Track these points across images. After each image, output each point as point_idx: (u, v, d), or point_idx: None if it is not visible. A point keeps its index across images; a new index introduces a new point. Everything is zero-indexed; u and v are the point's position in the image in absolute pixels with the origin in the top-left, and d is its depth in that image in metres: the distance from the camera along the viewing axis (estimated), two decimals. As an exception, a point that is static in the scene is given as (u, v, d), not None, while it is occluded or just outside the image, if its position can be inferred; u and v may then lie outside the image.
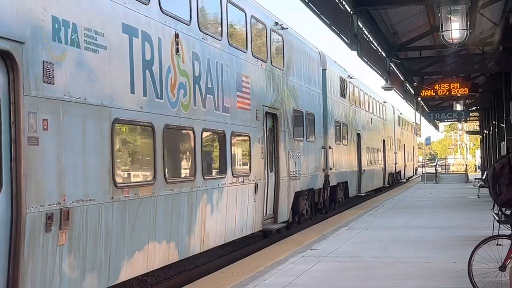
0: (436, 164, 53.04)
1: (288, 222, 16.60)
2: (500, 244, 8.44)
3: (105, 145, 8.36)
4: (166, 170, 9.95)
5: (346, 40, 16.14)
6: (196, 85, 11.25)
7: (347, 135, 24.76)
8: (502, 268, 8.03)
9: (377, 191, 32.97)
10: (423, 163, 60.61)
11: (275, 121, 15.60)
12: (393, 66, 23.57)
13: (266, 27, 15.26)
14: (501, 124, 25.88)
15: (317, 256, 11.85)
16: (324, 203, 20.86)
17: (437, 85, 25.46)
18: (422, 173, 51.61)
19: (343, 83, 23.78)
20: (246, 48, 13.94)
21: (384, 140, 35.56)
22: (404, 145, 46.32)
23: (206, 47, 11.72)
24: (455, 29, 12.44)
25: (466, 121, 54.12)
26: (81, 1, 8.13)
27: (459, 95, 27.18)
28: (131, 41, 9.16)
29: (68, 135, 7.61)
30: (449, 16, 12.30)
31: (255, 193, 14.08)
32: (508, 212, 11.14)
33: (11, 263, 6.59)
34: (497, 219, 12.74)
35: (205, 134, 11.54)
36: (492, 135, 32.94)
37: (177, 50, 10.52)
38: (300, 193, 17.82)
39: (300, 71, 18.08)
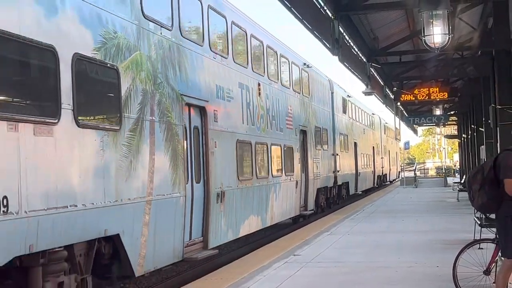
0: (415, 168, 53.40)
1: (313, 210, 22.03)
2: (482, 248, 8.48)
3: (234, 155, 14.01)
4: (257, 170, 15.69)
5: (328, 45, 16.21)
6: (267, 114, 17.06)
7: (348, 144, 30.56)
8: (487, 272, 8.07)
9: (367, 191, 38.21)
10: (402, 167, 61.08)
11: (305, 136, 21.33)
12: (373, 71, 23.69)
13: (299, 68, 21.28)
14: (480, 128, 26.11)
15: (300, 261, 11.86)
16: (333, 198, 26.72)
17: (416, 90, 25.66)
18: (401, 178, 51.98)
19: (344, 102, 29.94)
20: (290, 85, 19.87)
21: (373, 147, 41.36)
22: (389, 150, 52.78)
23: (271, 89, 17.49)
24: (437, 34, 12.53)
25: (444, 125, 54.56)
26: (224, 74, 13.85)
27: (438, 99, 27.39)
28: (241, 92, 14.89)
29: (223, 150, 13.29)
30: (431, 20, 12.40)
31: (295, 188, 19.64)
32: (492, 216, 11.24)
33: (205, 215, 12.25)
34: (479, 223, 12.86)
35: (272, 147, 17.26)
36: (471, 139, 33.22)
37: (259, 94, 16.33)
38: (320, 189, 23.40)
39: (318, 97, 23.97)
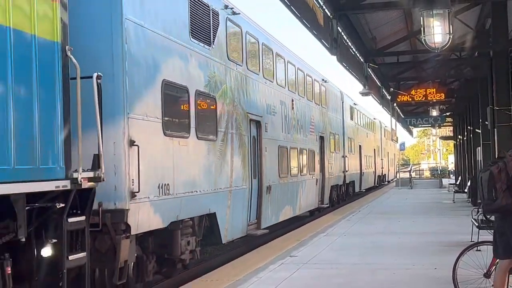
0: (411, 169, 53.50)
1: (327, 205, 25.32)
2: (479, 250, 8.38)
3: (276, 157, 17.82)
4: (291, 169, 19.45)
5: (327, 45, 16.07)
6: (298, 124, 20.81)
7: (354, 147, 34.22)
8: (487, 275, 7.96)
9: (368, 190, 41.49)
10: (398, 169, 61.24)
11: (323, 141, 24.93)
12: (371, 71, 23.56)
13: (319, 83, 25.01)
14: (477, 130, 25.98)
15: (296, 263, 11.75)
16: (343, 194, 30.10)
17: (413, 91, 25.51)
18: (396, 179, 52.09)
19: (351, 109, 33.70)
20: (312, 99, 23.67)
21: (374, 149, 45.14)
22: (388, 152, 56.55)
23: (300, 103, 21.25)
24: (437, 33, 12.40)
25: (440, 126, 54.50)
26: (270, 94, 17.59)
27: (435, 100, 27.24)
28: (281, 107, 18.62)
29: (270, 153, 17.04)
30: (432, 20, 12.26)
31: (316, 185, 23.21)
32: (492, 218, 11.11)
33: (258, 202, 15.72)
34: (477, 224, 12.76)
35: (302, 151, 21.29)
36: (467, 141, 33.11)
37: (292, 108, 20.01)
38: (333, 186, 26.71)
39: (332, 107, 27.76)
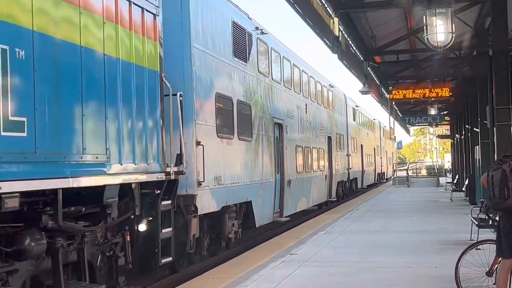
0: (408, 168, 53.63)
1: (335, 199, 27.82)
2: (479, 249, 8.39)
3: (294, 155, 20.32)
4: (305, 166, 21.97)
5: (328, 43, 16.07)
6: (310, 126, 23.36)
7: (356, 146, 36.45)
8: (489, 273, 7.98)
9: (369, 187, 43.86)
10: (395, 167, 61.38)
11: (330, 141, 27.34)
12: (370, 70, 23.58)
13: (327, 88, 27.75)
14: (475, 129, 26.01)
15: (297, 261, 11.75)
16: (347, 190, 32.34)
17: (412, 89, 25.53)
18: (394, 177, 52.24)
19: (354, 111, 36.24)
20: (322, 103, 26.21)
21: (374, 148, 47.24)
22: (386, 151, 59.01)
23: (312, 107, 23.96)
24: (440, 32, 12.38)
25: (437, 125, 54.51)
26: (289, 100, 20.39)
27: (433, 99, 27.25)
28: (297, 111, 21.33)
29: (289, 152, 19.45)
30: (434, 19, 12.25)
31: (325, 180, 25.69)
32: (493, 216, 11.12)
33: (281, 193, 17.97)
34: (477, 223, 12.77)
35: (313, 150, 23.67)
36: (465, 139, 33.15)
37: (306, 111, 22.64)
38: (339, 182, 29.03)
39: (338, 109, 30.30)
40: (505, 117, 17.72)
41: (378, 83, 27.68)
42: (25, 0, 6.28)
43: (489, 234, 11.42)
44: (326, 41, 16.01)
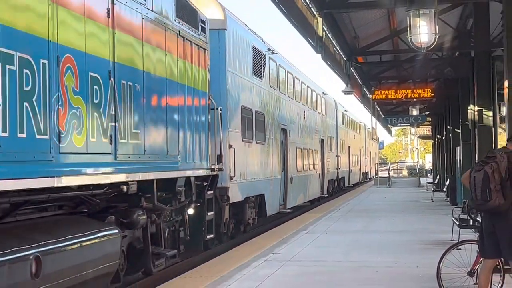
0: (389, 168, 53.93)
1: (326, 195, 30.91)
2: (460, 249, 8.43)
3: (295, 156, 23.31)
4: (303, 165, 24.75)
5: (312, 43, 16.09)
6: (307, 130, 26.59)
7: (344, 147, 39.55)
8: (471, 273, 8.00)
9: (355, 185, 46.46)
10: (377, 167, 61.69)
11: (323, 143, 30.31)
12: (353, 70, 23.65)
13: (320, 96, 30.86)
14: (456, 129, 26.18)
15: (279, 260, 11.73)
16: (336, 187, 35.71)
17: (394, 90, 25.64)
18: (375, 177, 52.50)
19: (343, 115, 39.51)
20: (316, 109, 29.40)
21: (360, 149, 50.04)
22: (370, 152, 61.25)
23: (308, 113, 27.01)
24: (423, 33, 12.44)
25: (419, 125, 54.80)
26: (292, 108, 23.73)
27: (415, 100, 27.39)
28: (297, 118, 24.57)
29: (291, 153, 22.51)
30: (418, 20, 12.30)
31: (318, 178, 28.54)
32: (475, 216, 11.18)
33: (284, 189, 21.02)
34: (458, 223, 12.84)
35: (309, 151, 26.58)
36: (446, 140, 33.35)
37: (304, 117, 25.51)
38: (329, 180, 32.18)
39: (329, 114, 33.56)
40: (486, 118, 17.86)
41: (361, 83, 27.76)
42: (139, 51, 9.19)
43: (470, 234, 11.50)
44: (310, 41, 16.03)
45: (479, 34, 18.40)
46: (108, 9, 8.13)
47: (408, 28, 12.51)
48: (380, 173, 56.41)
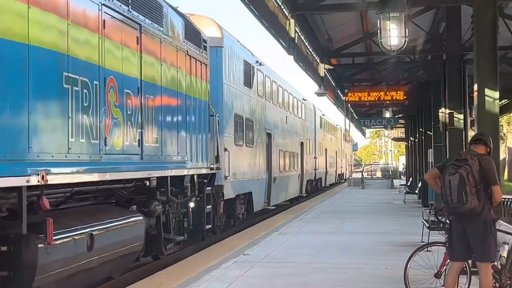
0: (363, 170, 54.06)
1: (305, 194, 33.99)
2: (429, 251, 8.46)
3: (278, 158, 25.92)
4: (285, 166, 27.25)
5: (284, 44, 16.07)
6: (289, 134, 29.06)
7: (322, 150, 42.54)
8: (438, 275, 8.06)
9: (331, 185, 49.51)
10: (351, 169, 61.96)
11: (302, 145, 33.25)
12: (326, 72, 23.67)
13: (300, 101, 33.56)
14: (428, 132, 26.38)
15: (250, 261, 11.87)
16: (314, 187, 38.98)
17: (367, 92, 25.74)
18: (349, 178, 52.61)
19: (321, 119, 42.99)
20: (297, 114, 32.03)
21: (336, 151, 53.30)
22: (346, 154, 65.24)
23: (290, 118, 29.43)
24: (393, 36, 12.47)
25: (392, 128, 55.03)
26: (276, 114, 26.21)
27: (388, 102, 27.51)
28: (280, 123, 27.00)
29: (275, 155, 25.21)
30: (388, 22, 12.34)
31: (298, 179, 31.49)
32: (443, 219, 11.24)
33: (268, 188, 23.57)
34: (427, 225, 12.90)
35: (291, 153, 29.16)
36: (418, 142, 33.58)
37: (286, 122, 28.30)
38: (308, 181, 35.36)
39: (308, 119, 36.55)
40: (456, 121, 17.98)
41: (334, 85, 27.82)
42: (159, 69, 11.33)
43: (441, 236, 11.55)
44: (282, 42, 16.03)
45: (451, 38, 18.57)
46: (137, 37, 10.29)
47: (379, 31, 12.59)
48: (354, 175, 56.60)
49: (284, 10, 15.33)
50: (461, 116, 18.33)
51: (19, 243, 7.25)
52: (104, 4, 8.99)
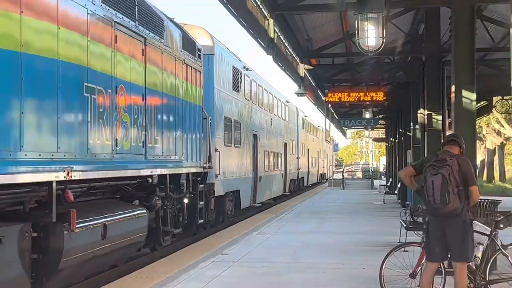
0: (343, 170, 54.24)
1: (288, 193, 35.81)
2: (406, 251, 8.54)
3: (263, 158, 27.46)
4: (269, 166, 29.06)
5: (263, 44, 16.08)
6: (273, 135, 30.79)
7: (304, 150, 44.57)
8: (413, 275, 8.13)
9: (313, 185, 51.34)
10: (332, 169, 62.29)
11: (286, 146, 35.12)
12: (306, 72, 23.73)
13: (284, 104, 35.11)
14: (408, 133, 26.56)
15: (228, 261, 11.99)
16: (296, 186, 40.83)
17: (347, 93, 25.86)
18: (329, 179, 52.78)
19: (303, 121, 45.03)
20: (281, 116, 33.68)
21: (318, 152, 55.05)
22: (327, 154, 67.37)
23: (274, 120, 30.95)
24: (371, 37, 12.53)
25: (373, 128, 55.26)
26: (262, 116, 28.02)
27: (368, 103, 27.64)
28: (265, 124, 28.57)
29: (261, 155, 26.84)
30: (366, 23, 12.38)
31: (282, 178, 33.41)
32: (419, 219, 11.31)
33: (254, 186, 25.38)
34: (405, 226, 12.97)
35: (275, 154, 30.95)
36: (398, 143, 33.81)
37: (271, 124, 29.97)
38: (291, 180, 37.40)
39: (291, 120, 38.34)
40: (435, 122, 18.10)
41: (314, 86, 27.88)
42: (160, 77, 12.57)
43: (417, 236, 11.60)
44: (261, 42, 16.03)
45: (430, 39, 18.85)
46: (142, 49, 11.76)
47: (357, 32, 12.66)
48: (336, 175, 56.85)
49: (263, 10, 15.37)
50: (440, 117, 18.56)
51: (47, 230, 8.61)
52: (116, 22, 10.53)
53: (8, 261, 7.56)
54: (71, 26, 8.89)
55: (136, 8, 11.60)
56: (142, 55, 11.71)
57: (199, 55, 16.14)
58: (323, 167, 61.96)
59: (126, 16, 10.98)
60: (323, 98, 28.63)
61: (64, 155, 8.56)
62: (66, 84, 8.70)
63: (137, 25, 11.49)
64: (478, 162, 63.52)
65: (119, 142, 10.43)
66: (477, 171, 60.12)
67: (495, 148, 58.76)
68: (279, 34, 18.23)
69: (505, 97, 31.21)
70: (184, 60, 14.56)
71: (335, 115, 42.29)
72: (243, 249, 13.72)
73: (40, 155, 7.99)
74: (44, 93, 8.24)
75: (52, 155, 8.29)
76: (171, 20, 14.37)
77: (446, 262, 8.29)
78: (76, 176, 8.80)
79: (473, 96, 13.31)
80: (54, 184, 8.30)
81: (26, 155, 7.66)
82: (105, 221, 9.92)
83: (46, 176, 8.16)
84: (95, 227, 9.63)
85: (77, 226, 8.73)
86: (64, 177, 8.47)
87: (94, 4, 9.64)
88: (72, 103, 8.97)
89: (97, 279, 11.21)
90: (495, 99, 32.92)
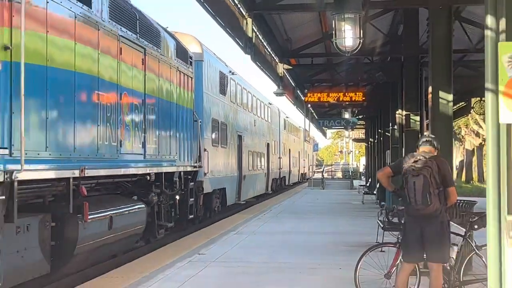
0: (323, 170, 54.50)
1: (270, 191, 37.74)
2: (383, 251, 8.60)
3: (247, 158, 29.11)
4: (253, 165, 31.04)
5: (241, 44, 16.03)
6: (257, 136, 32.82)
7: (286, 150, 46.66)
8: (388, 275, 8.15)
9: (294, 184, 53.50)
10: (313, 169, 62.64)
11: (268, 146, 37.26)
12: (285, 72, 23.73)
13: (266, 106, 37.01)
14: (387, 133, 26.67)
15: (204, 260, 12.12)
16: (278, 185, 42.78)
17: (326, 93, 25.91)
18: (309, 179, 52.91)
19: (285, 122, 47.58)
20: (264, 117, 35.81)
21: (299, 152, 57.26)
22: (308, 154, 70.06)
23: (257, 121, 32.91)
24: (348, 37, 12.54)
25: (353, 129, 55.42)
26: (246, 118, 29.54)
27: (347, 103, 27.71)
28: (249, 126, 30.59)
29: (245, 155, 28.38)
30: (343, 24, 12.38)
31: (265, 177, 35.69)
32: (395, 220, 11.32)
33: (239, 185, 26.93)
34: (382, 226, 12.97)
35: (258, 154, 33.11)
36: (377, 143, 33.95)
37: (254, 125, 32.04)
38: (273, 179, 39.71)
39: (274, 121, 40.36)
40: (413, 122, 18.17)
41: (294, 86, 27.91)
42: (157, 83, 13.93)
43: (395, 237, 11.62)
44: (239, 41, 16.00)
45: (408, 40, 18.99)
46: (143, 59, 13.23)
47: (334, 32, 12.64)
48: (316, 175, 57.08)
49: (241, 9, 15.32)
50: (418, 118, 18.76)
51: (64, 220, 10.05)
52: (121, 35, 12.13)
53: (33, 246, 9.01)
54: (86, 41, 10.48)
55: (138, 22, 13.18)
56: (142, 64, 13.31)
57: (191, 62, 17.91)
58: (304, 167, 64.89)
59: (129, 29, 12.59)
60: (303, 98, 28.73)
61: (79, 155, 10.13)
62: (81, 92, 10.31)
63: (138, 37, 13.10)
64: (457, 163, 64.16)
65: (123, 144, 12.04)
66: (455, 172, 60.56)
67: (473, 149, 59.34)
68: (257, 33, 18.24)
69: (483, 98, 31.47)
70: (177, 67, 16.21)
71: (315, 115, 42.59)
72: (220, 249, 14.00)
73: (60, 154, 9.49)
74: (64, 101, 9.79)
75: (70, 155, 9.85)
76: (166, 31, 16.06)
77: (422, 262, 8.33)
78: (88, 173, 10.34)
79: (450, 97, 13.35)
80: (71, 180, 9.83)
81: (50, 154, 9.21)
82: (111, 213, 11.46)
83: (65, 173, 9.67)
84: (104, 219, 11.18)
85: (89, 217, 10.22)
86: (79, 174, 10.00)
87: (104, 21, 11.27)
88: (86, 109, 10.57)
89: (74, 277, 11.16)
90: (473, 100, 33.42)
